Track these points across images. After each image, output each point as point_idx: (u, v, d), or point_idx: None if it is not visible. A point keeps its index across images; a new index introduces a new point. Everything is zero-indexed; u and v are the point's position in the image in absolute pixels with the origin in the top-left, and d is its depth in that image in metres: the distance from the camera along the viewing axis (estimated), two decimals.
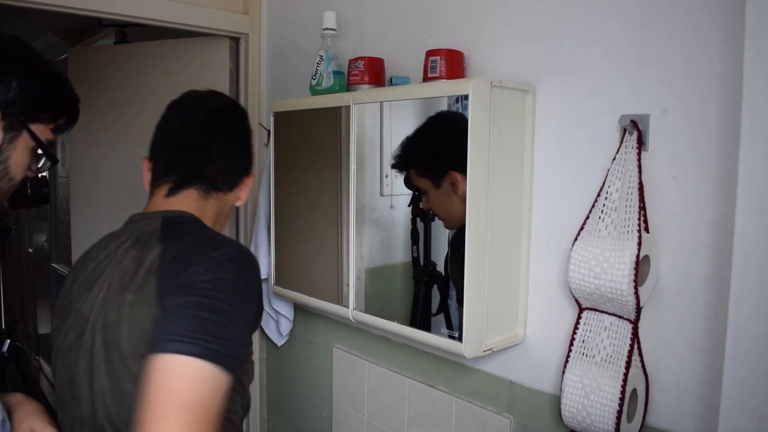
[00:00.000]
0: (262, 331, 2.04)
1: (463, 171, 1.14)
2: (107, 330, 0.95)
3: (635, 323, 1.05)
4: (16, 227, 4.78)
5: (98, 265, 1.03)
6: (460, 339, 1.16)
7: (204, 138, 1.13)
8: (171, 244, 1.00)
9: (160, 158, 1.12)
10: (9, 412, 0.99)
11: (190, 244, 0.99)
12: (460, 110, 1.16)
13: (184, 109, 1.21)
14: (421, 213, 1.32)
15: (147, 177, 1.13)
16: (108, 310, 0.97)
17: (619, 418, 1.01)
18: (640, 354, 1.06)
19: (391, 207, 1.40)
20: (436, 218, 1.30)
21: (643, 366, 1.06)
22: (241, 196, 1.16)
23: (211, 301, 0.89)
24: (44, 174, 2.39)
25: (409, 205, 1.33)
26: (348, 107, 1.38)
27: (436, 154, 1.29)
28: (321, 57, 1.47)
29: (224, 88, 2.01)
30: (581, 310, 1.11)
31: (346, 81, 1.45)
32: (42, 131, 0.90)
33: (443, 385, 1.44)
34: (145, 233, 1.03)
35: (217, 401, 0.84)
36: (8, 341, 1.82)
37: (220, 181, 1.11)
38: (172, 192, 1.09)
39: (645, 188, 1.04)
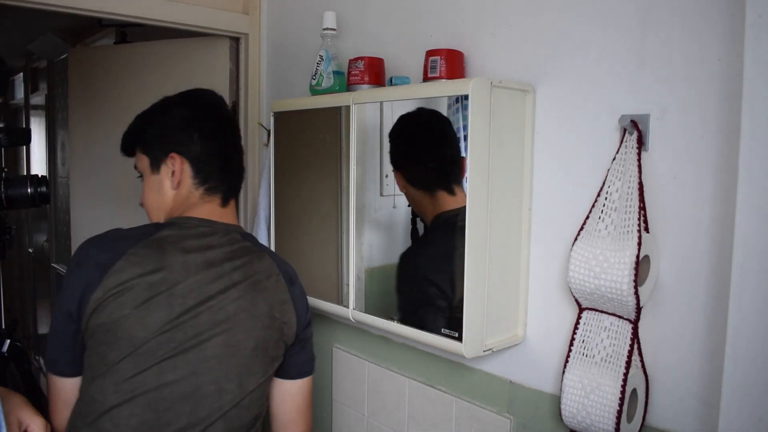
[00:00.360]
0: None
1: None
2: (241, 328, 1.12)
3: (635, 323, 1.05)
4: (16, 227, 4.78)
5: (184, 272, 1.10)
6: (460, 339, 1.16)
7: (240, 151, 1.27)
8: (272, 255, 1.24)
9: (209, 164, 1.20)
10: None
11: (274, 256, 1.25)
12: (460, 110, 1.16)
13: (221, 113, 1.29)
14: None
15: (182, 177, 1.19)
16: (245, 311, 1.13)
17: (619, 418, 1.01)
18: (640, 354, 1.06)
19: (393, 207, 1.40)
20: None
21: (643, 366, 1.06)
22: None
23: None
24: (44, 174, 2.39)
25: (409, 205, 1.33)
26: (348, 107, 1.38)
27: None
28: (321, 57, 1.47)
29: (224, 88, 2.01)
30: (581, 310, 1.11)
31: (346, 81, 1.45)
32: None
33: (443, 385, 1.44)
34: (238, 243, 1.18)
35: None
36: (8, 341, 1.81)
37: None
38: (225, 203, 1.21)
39: (645, 188, 1.04)
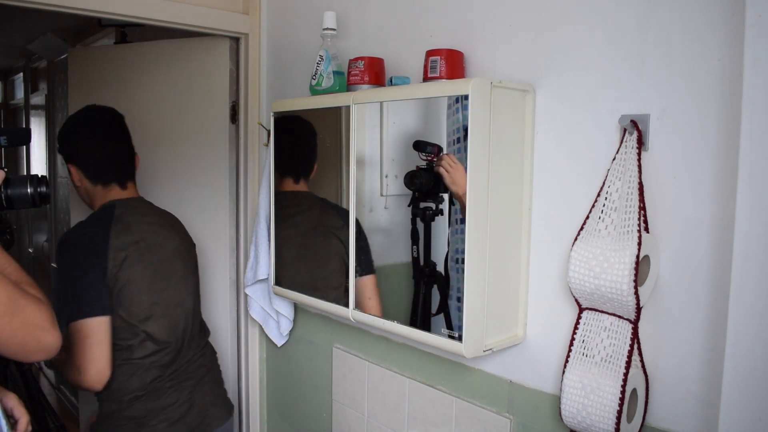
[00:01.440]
0: (262, 331, 2.05)
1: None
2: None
3: (635, 323, 1.05)
4: (17, 227, 4.78)
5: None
6: (460, 339, 1.16)
7: (125, 143, 1.69)
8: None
9: (96, 167, 1.61)
10: None
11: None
12: (460, 110, 1.16)
13: (103, 119, 1.66)
14: (421, 213, 1.32)
15: (80, 179, 1.62)
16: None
17: (619, 418, 1.01)
18: (640, 354, 1.06)
19: (390, 207, 1.40)
20: (436, 218, 1.30)
21: (643, 366, 1.06)
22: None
23: None
24: (44, 174, 2.38)
25: (409, 205, 1.33)
26: (348, 107, 1.38)
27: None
28: (321, 57, 1.47)
29: (224, 88, 2.01)
30: (581, 310, 1.11)
31: (346, 81, 1.45)
32: None
33: (443, 385, 1.44)
34: (155, 207, 1.72)
35: None
36: None
37: None
38: (123, 187, 1.64)
39: (645, 188, 1.04)
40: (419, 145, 1.29)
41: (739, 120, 0.87)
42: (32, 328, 0.98)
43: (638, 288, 1.00)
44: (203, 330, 1.76)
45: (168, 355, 1.58)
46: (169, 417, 1.56)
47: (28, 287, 1.03)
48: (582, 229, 1.09)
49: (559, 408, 1.10)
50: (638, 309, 1.02)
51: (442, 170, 1.22)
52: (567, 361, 1.11)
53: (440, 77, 1.23)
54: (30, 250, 4.60)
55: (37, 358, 1.05)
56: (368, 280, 1.52)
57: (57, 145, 1.65)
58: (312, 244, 1.62)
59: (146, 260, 1.56)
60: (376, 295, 1.52)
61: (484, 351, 1.19)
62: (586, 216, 1.09)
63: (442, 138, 1.25)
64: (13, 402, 1.07)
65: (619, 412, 1.01)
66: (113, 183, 1.60)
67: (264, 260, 1.81)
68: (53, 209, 3.78)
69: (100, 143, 1.60)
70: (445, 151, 1.23)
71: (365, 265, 1.50)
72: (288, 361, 1.98)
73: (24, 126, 4.60)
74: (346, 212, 1.43)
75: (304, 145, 1.65)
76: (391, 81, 1.34)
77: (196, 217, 2.11)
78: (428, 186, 1.27)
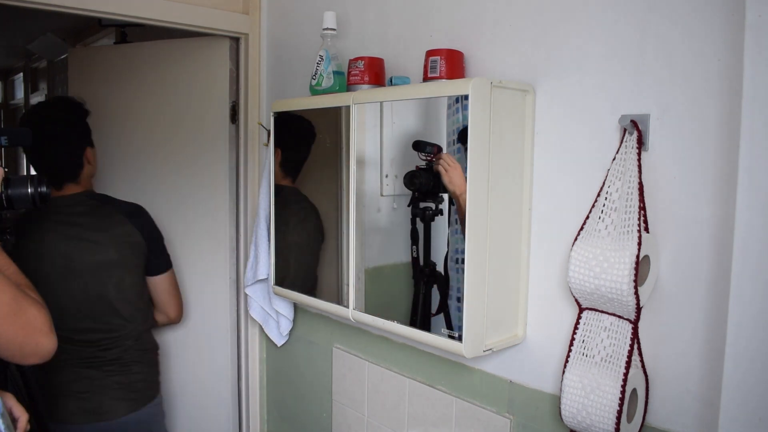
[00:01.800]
0: (262, 331, 2.05)
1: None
2: None
3: (635, 323, 1.05)
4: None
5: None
6: (460, 339, 1.16)
7: (63, 143, 1.69)
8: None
9: (37, 167, 1.67)
10: None
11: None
12: (460, 110, 1.16)
13: (39, 118, 1.69)
14: (420, 213, 1.32)
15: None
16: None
17: (619, 418, 1.01)
18: (640, 354, 1.06)
19: (392, 207, 1.40)
20: (436, 218, 1.30)
21: (643, 366, 1.06)
22: None
23: None
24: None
25: (408, 205, 1.33)
26: (348, 107, 1.38)
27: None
28: (321, 57, 1.46)
29: (224, 88, 2.01)
30: (581, 310, 1.11)
31: (346, 81, 1.45)
32: None
33: (443, 385, 1.44)
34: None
35: None
36: None
37: None
38: (60, 188, 1.67)
39: (645, 188, 1.04)
40: (419, 145, 1.29)
41: (739, 120, 0.87)
42: (32, 330, 0.98)
43: (638, 288, 1.00)
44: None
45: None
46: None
47: (28, 290, 1.03)
48: (582, 229, 1.09)
49: (559, 408, 1.10)
50: (638, 309, 1.02)
51: (440, 169, 1.22)
52: (567, 361, 1.11)
53: (440, 77, 1.23)
54: None
55: (30, 362, 1.03)
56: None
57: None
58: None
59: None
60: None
61: (484, 351, 1.19)
62: (586, 216, 1.09)
63: (442, 138, 1.25)
64: (11, 401, 1.07)
65: (619, 412, 1.01)
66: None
67: (264, 260, 1.81)
68: None
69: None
70: (444, 151, 1.23)
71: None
72: (288, 361, 1.98)
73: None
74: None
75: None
76: (391, 81, 1.34)
77: (196, 217, 2.11)
78: (428, 186, 1.27)
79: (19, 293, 0.96)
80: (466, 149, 1.13)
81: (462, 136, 1.16)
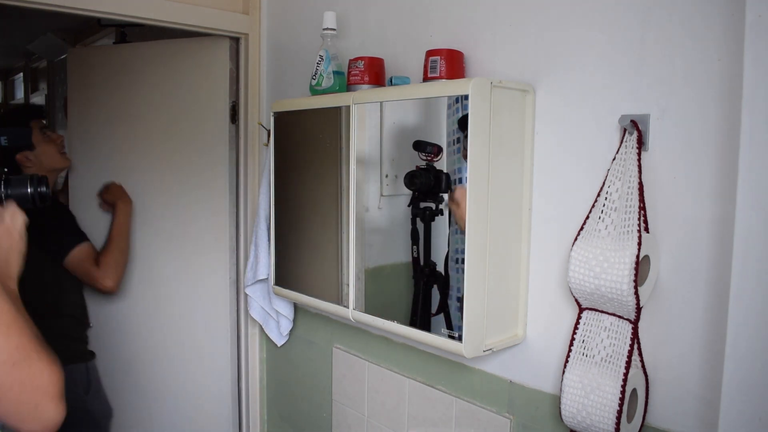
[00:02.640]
0: (262, 331, 2.05)
1: None
2: None
3: (635, 323, 1.05)
4: None
5: None
6: (460, 339, 1.16)
7: None
8: None
9: None
10: None
11: None
12: (460, 110, 1.16)
13: None
14: (421, 213, 1.32)
15: None
16: None
17: (619, 418, 1.01)
18: (640, 354, 1.06)
19: (392, 207, 1.40)
20: (436, 218, 1.30)
21: (643, 366, 1.06)
22: None
23: None
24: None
25: (408, 205, 1.33)
26: (348, 107, 1.38)
27: None
28: (321, 57, 1.46)
29: (224, 88, 2.01)
30: (581, 310, 1.11)
31: (346, 81, 1.45)
32: None
33: (443, 385, 1.44)
34: None
35: None
36: None
37: None
38: None
39: (645, 188, 1.04)
40: (419, 145, 1.29)
41: (739, 120, 0.87)
42: (32, 388, 0.82)
43: (638, 288, 1.00)
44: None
45: None
46: None
47: (41, 346, 0.87)
48: (582, 229, 1.09)
49: (559, 408, 1.10)
50: (638, 309, 1.02)
51: (453, 206, 1.22)
52: (567, 361, 1.11)
53: (440, 77, 1.23)
54: None
55: (27, 429, 0.83)
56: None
57: None
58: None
59: None
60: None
61: (484, 351, 1.19)
62: (586, 216, 1.09)
63: (442, 138, 1.25)
64: None
65: (619, 412, 1.01)
66: None
67: (264, 260, 1.81)
68: None
69: None
70: (444, 151, 1.24)
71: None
72: (288, 361, 1.98)
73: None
74: None
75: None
76: (391, 81, 1.34)
77: (196, 217, 2.11)
78: (428, 186, 1.28)
79: (31, 345, 0.83)
80: (466, 136, 1.13)
81: (462, 123, 1.15)
